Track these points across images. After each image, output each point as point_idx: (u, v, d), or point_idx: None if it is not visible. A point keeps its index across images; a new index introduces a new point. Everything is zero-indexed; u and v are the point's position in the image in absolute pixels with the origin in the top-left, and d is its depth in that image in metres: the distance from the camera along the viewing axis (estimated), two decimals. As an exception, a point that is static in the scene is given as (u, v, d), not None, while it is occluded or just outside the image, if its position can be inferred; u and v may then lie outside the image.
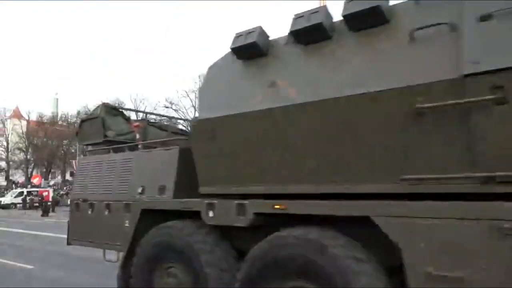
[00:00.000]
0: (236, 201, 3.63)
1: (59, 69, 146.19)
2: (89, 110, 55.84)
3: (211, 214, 3.82)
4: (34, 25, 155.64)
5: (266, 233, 3.39)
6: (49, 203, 31.55)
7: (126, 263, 4.71)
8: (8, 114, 64.26)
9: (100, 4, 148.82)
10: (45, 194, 32.51)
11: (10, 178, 62.69)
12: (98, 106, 5.93)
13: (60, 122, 62.24)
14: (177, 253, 3.97)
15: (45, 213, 29.50)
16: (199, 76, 46.56)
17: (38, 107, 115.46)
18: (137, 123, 6.23)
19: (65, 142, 57.75)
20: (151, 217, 4.46)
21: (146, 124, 6.07)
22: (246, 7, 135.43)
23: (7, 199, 42.08)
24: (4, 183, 59.96)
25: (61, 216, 28.07)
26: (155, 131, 6.00)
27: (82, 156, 5.98)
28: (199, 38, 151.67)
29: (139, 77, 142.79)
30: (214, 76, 4.21)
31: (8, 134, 62.57)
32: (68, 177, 60.88)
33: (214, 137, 3.86)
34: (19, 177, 63.01)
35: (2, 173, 63.69)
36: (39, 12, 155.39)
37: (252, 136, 3.63)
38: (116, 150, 5.29)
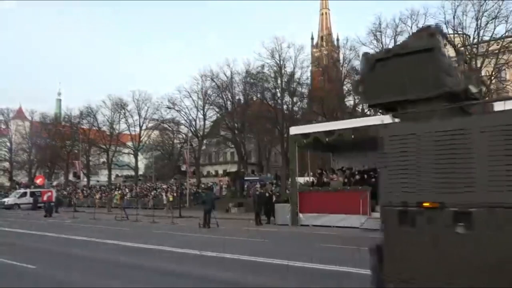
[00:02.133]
0: None
1: (62, 69, 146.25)
2: (91, 111, 55.88)
3: None
4: (37, 26, 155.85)
5: None
6: (52, 204, 31.57)
7: None
8: (11, 115, 64.44)
9: (102, 4, 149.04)
10: (48, 195, 32.52)
11: (14, 178, 62.81)
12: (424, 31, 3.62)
13: (63, 123, 62.35)
14: None
15: (48, 213, 29.52)
16: (200, 77, 46.62)
17: (42, 107, 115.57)
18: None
19: (68, 142, 57.87)
20: None
21: None
22: (247, 6, 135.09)
23: (11, 199, 42.18)
24: (8, 184, 60.10)
25: (63, 217, 28.12)
26: None
27: (390, 124, 3.68)
28: (200, 38, 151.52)
29: (142, 77, 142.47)
30: None
31: (11, 135, 62.73)
32: (70, 177, 61.02)
33: None
34: (22, 177, 63.14)
35: (5, 173, 63.86)
36: (42, 12, 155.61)
37: None
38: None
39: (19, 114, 66.39)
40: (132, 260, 9.68)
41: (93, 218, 25.27)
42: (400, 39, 35.71)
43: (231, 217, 25.07)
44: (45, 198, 32.52)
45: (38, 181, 46.86)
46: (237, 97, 47.52)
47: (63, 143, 57.94)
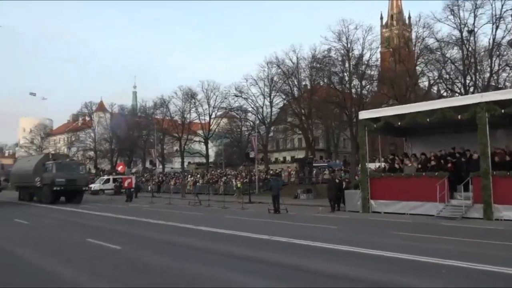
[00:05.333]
0: None
1: (137, 64, 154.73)
2: (164, 101, 58.63)
3: None
4: (114, 25, 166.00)
5: None
6: (132, 190, 33.89)
7: None
8: (94, 108, 69.73)
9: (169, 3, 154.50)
10: (128, 181, 34.90)
11: (98, 166, 68.24)
12: None
13: (139, 114, 66.20)
14: None
15: (129, 198, 31.75)
16: (266, 64, 46.67)
17: (120, 100, 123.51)
18: None
19: (144, 132, 61.39)
20: None
21: None
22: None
23: (97, 185, 45.94)
24: (93, 171, 65.43)
25: (142, 202, 30.05)
26: None
27: None
28: (265, 26, 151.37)
29: (210, 67, 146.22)
30: None
31: (95, 126, 68.04)
32: (147, 165, 64.90)
33: None
34: (105, 165, 68.38)
35: (91, 162, 69.50)
36: (120, 9, 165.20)
37: None
38: None
39: (101, 107, 71.57)
40: (206, 244, 10.07)
41: (169, 203, 26.68)
42: (481, 12, 32.83)
43: (299, 203, 25.06)
44: (125, 184, 34.93)
45: (119, 168, 50.46)
46: (303, 83, 46.99)
47: (140, 133, 61.56)
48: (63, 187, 28.15)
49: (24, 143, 79.09)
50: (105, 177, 49.51)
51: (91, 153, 68.88)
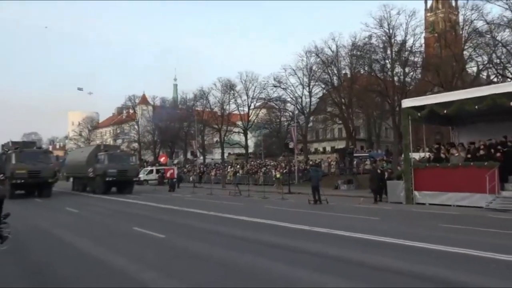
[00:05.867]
0: None
1: (178, 57, 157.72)
2: (204, 93, 59.52)
3: None
4: (155, 17, 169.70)
5: None
6: (174, 180, 34.81)
7: None
8: (137, 101, 71.97)
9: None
10: (170, 172, 35.85)
11: (142, 157, 70.60)
12: None
13: (179, 106, 67.62)
14: None
15: (172, 188, 32.68)
16: (305, 53, 46.09)
17: (161, 92, 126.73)
18: None
19: (185, 124, 62.70)
20: None
21: None
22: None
23: (141, 176, 47.49)
24: (138, 162, 67.69)
25: (185, 192, 30.82)
26: None
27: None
28: (304, 15, 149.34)
29: (248, 58, 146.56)
30: None
31: (138, 119, 70.29)
32: (189, 156, 66.36)
33: None
34: (148, 156, 70.61)
35: (135, 153, 71.94)
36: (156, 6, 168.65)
37: None
38: None
39: (143, 100, 73.77)
40: (246, 233, 10.21)
41: (210, 194, 27.21)
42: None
43: (340, 194, 24.77)
44: (168, 175, 35.94)
45: (162, 159, 51.87)
46: (343, 72, 46.04)
47: (181, 125, 62.96)
48: (115, 177, 28.52)
49: (73, 136, 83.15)
50: (149, 168, 51.08)
51: (135, 145, 71.26)
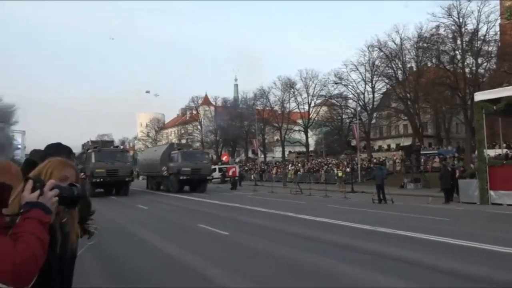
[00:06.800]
0: None
1: (238, 57, 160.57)
2: (264, 92, 60.05)
3: None
4: (213, 18, 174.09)
5: None
6: (236, 178, 35.51)
7: None
8: (199, 102, 74.36)
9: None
10: (232, 170, 36.61)
11: (205, 157, 72.74)
12: None
13: (240, 105, 68.83)
14: None
15: (234, 186, 33.39)
16: (367, 48, 44.77)
17: (222, 93, 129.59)
18: None
19: (245, 123, 63.70)
20: None
21: None
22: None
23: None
24: (211, 160, 70.02)
25: (246, 190, 31.34)
26: None
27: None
28: (363, 9, 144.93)
29: (308, 54, 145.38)
30: None
31: (201, 119, 72.62)
32: (250, 154, 67.30)
33: None
34: (211, 155, 72.62)
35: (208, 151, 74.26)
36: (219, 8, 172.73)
37: None
38: None
39: (206, 100, 76.00)
40: (309, 232, 10.19)
41: (271, 192, 27.42)
42: None
43: (406, 193, 23.79)
44: (230, 173, 36.82)
45: (224, 158, 53.24)
46: (408, 65, 44.13)
47: (242, 124, 64.07)
48: (189, 176, 28.21)
49: (141, 137, 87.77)
50: (212, 166, 52.50)
51: (198, 145, 73.72)
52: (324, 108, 57.04)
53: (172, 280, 6.16)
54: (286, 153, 64.29)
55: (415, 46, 41.04)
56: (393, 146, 58.21)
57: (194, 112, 76.19)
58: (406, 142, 49.46)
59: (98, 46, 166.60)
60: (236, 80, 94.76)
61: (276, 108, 60.38)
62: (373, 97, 47.42)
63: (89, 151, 26.94)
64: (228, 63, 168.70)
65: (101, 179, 25.42)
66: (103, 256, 7.56)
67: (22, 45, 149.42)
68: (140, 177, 39.35)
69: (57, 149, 2.42)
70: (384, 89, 47.18)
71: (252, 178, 43.69)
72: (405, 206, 16.76)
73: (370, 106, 47.75)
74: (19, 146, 25.54)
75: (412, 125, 44.58)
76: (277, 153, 68.61)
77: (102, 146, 28.12)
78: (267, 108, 61.06)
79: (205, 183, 29.77)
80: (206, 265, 6.93)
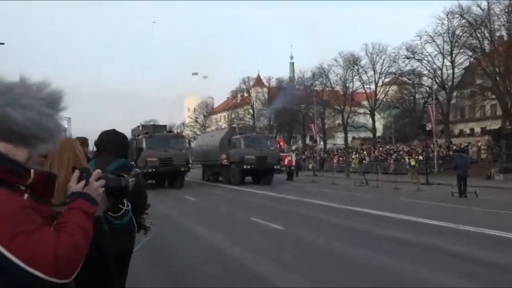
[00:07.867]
0: None
1: (293, 32, 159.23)
2: (323, 71, 59.19)
3: None
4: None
5: None
6: (292, 168, 35.54)
7: None
8: (252, 83, 74.85)
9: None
10: (288, 159, 36.64)
11: (258, 143, 73.38)
12: None
13: (297, 86, 68.38)
14: None
15: (290, 177, 33.46)
16: (446, 15, 42.56)
17: (277, 73, 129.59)
18: None
19: (303, 106, 63.29)
20: None
21: None
22: None
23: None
24: (278, 147, 70.73)
25: (304, 181, 31.27)
26: None
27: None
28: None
29: (374, 27, 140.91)
30: None
31: (253, 102, 73.16)
32: (308, 141, 66.92)
33: None
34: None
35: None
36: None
37: None
38: None
39: (258, 81, 76.36)
40: (375, 229, 9.97)
41: (332, 183, 27.15)
42: None
43: (494, 186, 22.64)
44: (286, 162, 36.79)
45: (279, 145, 53.28)
46: (497, 34, 41.37)
47: (298, 107, 63.74)
48: (253, 165, 26.70)
49: (189, 122, 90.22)
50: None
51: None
52: (394, 87, 55.21)
53: (223, 275, 6.32)
54: (349, 139, 63.21)
55: (507, 10, 38.40)
56: (477, 130, 55.38)
57: (246, 94, 76.85)
58: (494, 125, 46.86)
59: (141, 31, 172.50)
60: (292, 58, 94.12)
61: (338, 88, 59.34)
62: (453, 72, 45.18)
63: (139, 137, 25.82)
64: (283, 39, 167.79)
65: (153, 169, 23.82)
66: (154, 247, 7.92)
67: (75, 30, 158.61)
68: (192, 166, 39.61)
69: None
70: (466, 63, 44.74)
71: (310, 167, 43.50)
72: (493, 201, 16.01)
73: (449, 84, 45.57)
74: (65, 133, 26.75)
75: (501, 105, 41.97)
76: (339, 140, 67.66)
77: (153, 131, 26.84)
78: (327, 89, 60.19)
79: (272, 173, 28.16)
80: (257, 260, 7.07)
